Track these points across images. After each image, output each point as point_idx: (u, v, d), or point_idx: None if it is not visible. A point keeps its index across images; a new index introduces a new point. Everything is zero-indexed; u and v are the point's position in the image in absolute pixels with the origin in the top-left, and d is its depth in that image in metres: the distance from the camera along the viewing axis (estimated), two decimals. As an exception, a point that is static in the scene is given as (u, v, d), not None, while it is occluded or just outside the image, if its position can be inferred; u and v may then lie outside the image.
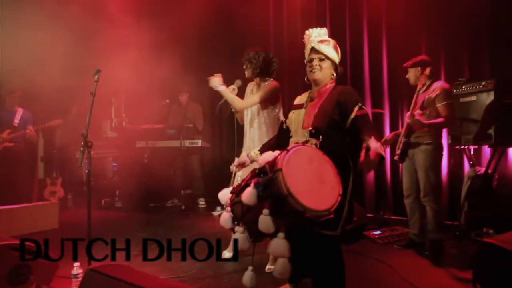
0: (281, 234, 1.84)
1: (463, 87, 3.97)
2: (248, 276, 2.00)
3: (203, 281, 2.96)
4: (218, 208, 5.29)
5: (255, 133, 3.22)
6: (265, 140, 2.95)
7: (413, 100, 3.51)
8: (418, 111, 3.36)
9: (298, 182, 1.81)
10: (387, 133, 5.00)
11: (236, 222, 2.00)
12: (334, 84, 2.33)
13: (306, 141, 2.16)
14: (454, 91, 3.99)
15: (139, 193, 6.11)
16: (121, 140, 6.66)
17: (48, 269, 2.71)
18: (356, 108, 2.14)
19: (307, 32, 2.35)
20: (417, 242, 3.62)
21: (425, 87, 3.52)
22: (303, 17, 5.71)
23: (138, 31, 5.95)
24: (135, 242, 3.99)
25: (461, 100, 3.97)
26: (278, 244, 1.85)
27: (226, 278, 3.00)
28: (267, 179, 1.83)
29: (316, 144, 2.14)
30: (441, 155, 3.55)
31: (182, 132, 5.69)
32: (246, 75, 3.26)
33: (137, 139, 6.23)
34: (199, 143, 5.73)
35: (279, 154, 1.92)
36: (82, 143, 2.58)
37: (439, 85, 3.44)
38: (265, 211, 1.81)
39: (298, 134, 2.26)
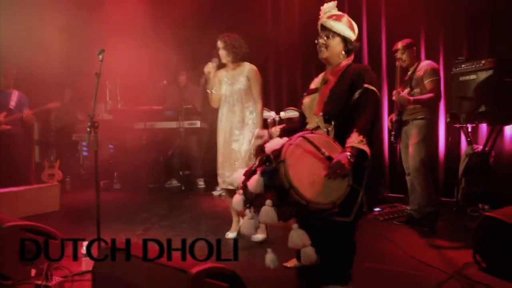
0: (295, 225, 1.78)
1: (463, 65, 4.00)
2: (269, 257, 1.92)
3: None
4: (218, 188, 5.33)
5: (235, 118, 3.28)
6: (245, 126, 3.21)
7: (399, 79, 3.70)
8: (405, 90, 3.55)
9: (301, 174, 1.75)
10: (385, 112, 5.05)
11: (247, 205, 1.92)
12: (349, 62, 2.13)
13: (316, 128, 2.07)
14: (454, 70, 4.04)
15: (138, 174, 6.14)
16: (117, 122, 6.62)
17: (57, 248, 2.73)
18: (366, 85, 1.97)
19: (321, 8, 2.20)
20: (416, 218, 3.70)
21: (414, 67, 3.66)
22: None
23: (134, 11, 5.85)
24: (138, 223, 4.03)
25: (461, 78, 4.00)
26: (294, 235, 1.77)
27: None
28: (271, 169, 1.78)
29: (327, 131, 2.02)
30: (432, 131, 3.70)
31: (180, 113, 5.67)
32: (225, 61, 3.29)
33: (135, 121, 6.19)
34: (198, 124, 5.73)
35: (286, 143, 1.85)
36: (89, 123, 2.55)
37: (425, 64, 3.60)
38: (268, 202, 1.74)
39: (312, 121, 2.13)
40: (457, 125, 4.18)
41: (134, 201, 5.24)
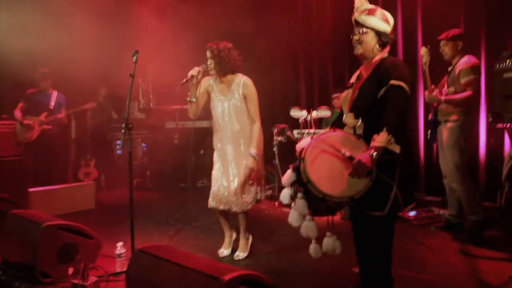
0: (308, 217, 1.96)
1: (508, 61, 3.76)
2: (312, 248, 2.04)
3: (241, 262, 3.00)
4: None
5: (234, 126, 2.99)
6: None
7: (429, 77, 3.46)
8: (436, 89, 3.34)
9: (319, 169, 1.88)
10: (421, 114, 4.86)
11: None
12: (383, 56, 2.08)
13: (339, 126, 2.14)
14: (497, 66, 3.79)
15: (169, 173, 6.23)
16: (150, 121, 6.74)
17: (93, 248, 2.80)
18: (392, 81, 1.93)
19: (354, 2, 2.15)
20: (454, 223, 3.56)
21: (455, 61, 3.43)
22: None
23: (167, 10, 5.92)
24: (170, 223, 4.08)
25: (505, 75, 3.72)
26: (304, 225, 1.96)
27: (263, 259, 3.03)
28: (297, 165, 1.95)
29: (354, 128, 2.05)
30: (467, 134, 3.44)
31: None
32: (211, 73, 2.97)
33: (167, 120, 6.28)
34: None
35: (309, 142, 1.98)
36: (123, 125, 2.59)
37: (464, 61, 3.36)
38: (299, 194, 1.94)
39: (347, 117, 2.12)
40: (501, 125, 3.94)
41: (166, 201, 5.32)
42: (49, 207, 4.31)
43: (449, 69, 3.48)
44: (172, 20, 5.84)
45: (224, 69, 2.93)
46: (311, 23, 5.84)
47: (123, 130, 2.58)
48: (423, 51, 3.44)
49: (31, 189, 4.39)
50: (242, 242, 3.10)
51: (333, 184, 1.87)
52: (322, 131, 2.35)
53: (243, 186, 2.96)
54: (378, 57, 2.08)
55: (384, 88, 1.94)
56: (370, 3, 2.16)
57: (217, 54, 2.88)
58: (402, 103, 1.94)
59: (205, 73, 2.98)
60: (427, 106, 4.83)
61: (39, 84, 5.20)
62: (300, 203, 1.94)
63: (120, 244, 2.73)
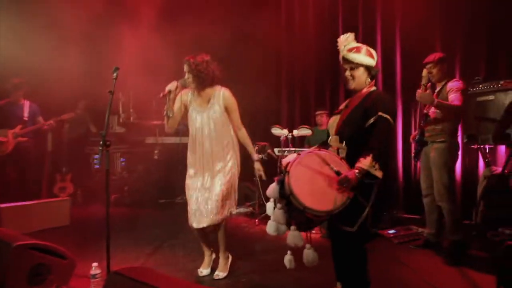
0: (293, 227, 2.12)
1: (480, 86, 3.91)
2: (287, 259, 2.26)
3: (221, 282, 2.94)
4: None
5: (214, 148, 2.95)
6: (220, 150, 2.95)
7: (426, 82, 3.45)
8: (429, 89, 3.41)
9: (302, 183, 2.03)
10: (400, 133, 4.96)
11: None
12: (370, 89, 2.30)
13: (324, 147, 2.33)
14: (470, 89, 3.95)
15: (148, 189, 6.12)
16: (129, 135, 6.64)
17: (66, 268, 2.69)
18: (380, 113, 2.14)
19: (338, 40, 2.34)
20: (432, 241, 3.61)
21: (442, 84, 3.50)
22: (315, 17, 5.64)
23: (146, 26, 5.91)
24: (148, 241, 3.98)
25: (478, 99, 3.91)
26: (291, 235, 2.13)
27: (244, 278, 2.98)
28: (282, 178, 2.10)
29: (338, 150, 2.25)
30: (455, 155, 3.50)
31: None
32: (190, 86, 2.92)
33: (147, 135, 6.20)
34: (209, 139, 5.68)
35: (295, 157, 2.14)
36: (101, 142, 2.52)
37: (454, 84, 3.41)
38: (278, 205, 2.11)
39: (332, 139, 2.32)
40: (475, 146, 4.07)
41: (145, 217, 5.20)
42: (21, 223, 4.15)
43: (436, 90, 3.52)
44: (153, 34, 5.83)
45: (203, 83, 2.89)
46: (293, 43, 5.93)
47: (100, 148, 2.51)
48: (424, 72, 3.43)
49: (2, 205, 4.21)
50: (221, 261, 3.05)
51: (314, 198, 2.00)
52: (303, 149, 2.48)
53: (221, 200, 2.91)
54: (365, 90, 2.29)
55: (372, 118, 2.14)
56: (334, 24, 2.27)
57: (194, 67, 2.84)
58: (386, 134, 2.16)
59: (184, 87, 2.94)
60: (405, 128, 4.96)
61: (10, 95, 5.03)
62: (278, 213, 2.11)
63: (95, 264, 2.63)
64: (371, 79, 2.30)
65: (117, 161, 6.75)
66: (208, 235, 3.11)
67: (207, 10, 6.03)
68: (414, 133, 3.83)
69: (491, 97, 3.79)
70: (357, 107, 2.25)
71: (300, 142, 5.46)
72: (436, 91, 3.52)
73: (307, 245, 2.19)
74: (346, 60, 2.28)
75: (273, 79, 6.13)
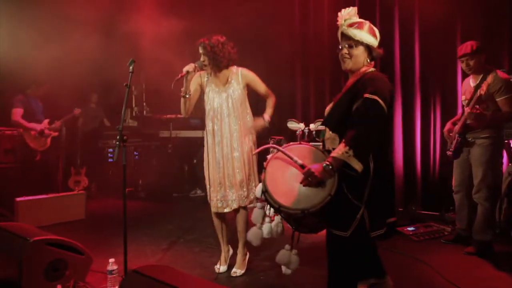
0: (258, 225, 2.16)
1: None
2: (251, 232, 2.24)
3: (238, 279, 2.90)
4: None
5: (232, 128, 2.89)
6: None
7: (469, 93, 3.25)
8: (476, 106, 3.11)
9: (277, 180, 1.92)
10: (418, 127, 4.83)
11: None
12: (368, 68, 2.00)
13: (307, 139, 2.15)
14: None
15: (162, 183, 6.11)
16: (143, 129, 6.62)
17: (83, 264, 2.67)
18: (366, 94, 1.82)
19: (339, 14, 2.05)
20: (463, 236, 3.52)
21: (481, 77, 3.20)
22: (330, 13, 5.49)
23: (159, 19, 5.85)
24: (163, 235, 3.96)
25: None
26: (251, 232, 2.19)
27: (262, 276, 2.93)
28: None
29: (323, 142, 2.08)
30: (500, 150, 3.33)
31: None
32: (205, 69, 2.88)
33: (160, 129, 6.17)
34: (223, 133, 5.63)
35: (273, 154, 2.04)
36: (118, 137, 2.47)
37: (499, 76, 3.12)
38: (258, 204, 2.07)
39: (326, 130, 2.07)
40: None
41: (159, 211, 5.19)
42: (37, 217, 4.18)
43: (474, 85, 3.25)
44: (166, 27, 5.77)
45: (219, 64, 2.83)
46: (307, 34, 5.80)
47: (117, 143, 2.45)
48: (470, 50, 3.16)
49: (18, 199, 4.24)
50: (239, 258, 3.00)
51: (289, 195, 1.86)
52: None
53: (241, 185, 2.88)
54: (363, 69, 2.00)
55: (357, 102, 1.85)
56: (367, 16, 2.12)
57: (210, 49, 2.78)
58: (372, 117, 1.80)
59: (201, 68, 2.88)
60: (424, 122, 4.82)
61: (28, 90, 5.09)
62: (257, 212, 2.09)
63: (112, 260, 2.60)
64: (371, 60, 2.01)
65: (130, 154, 6.76)
66: (226, 226, 3.07)
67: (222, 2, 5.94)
68: (449, 126, 3.50)
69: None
70: (348, 90, 1.98)
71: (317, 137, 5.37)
72: (474, 85, 3.24)
73: (287, 246, 2.04)
74: (346, 36, 1.99)
75: (288, 72, 6.02)
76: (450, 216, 4.14)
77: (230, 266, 3.02)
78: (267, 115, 2.99)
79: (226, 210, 2.92)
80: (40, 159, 5.07)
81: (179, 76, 2.74)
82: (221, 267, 3.01)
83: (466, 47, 3.21)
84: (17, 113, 4.91)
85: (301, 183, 1.83)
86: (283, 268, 2.08)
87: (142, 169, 6.49)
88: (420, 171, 4.87)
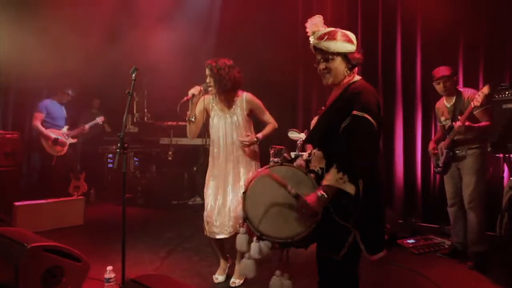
0: (246, 255, 1.82)
1: (506, 92, 3.77)
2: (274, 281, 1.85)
3: (236, 289, 2.87)
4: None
5: (237, 153, 2.90)
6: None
7: (447, 113, 3.50)
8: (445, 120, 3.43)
9: (258, 206, 1.77)
10: (419, 139, 4.83)
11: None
12: (352, 78, 1.85)
13: (286, 160, 2.00)
14: (496, 97, 3.81)
15: (161, 190, 6.09)
16: (143, 135, 6.62)
17: (80, 271, 2.65)
18: (355, 111, 1.70)
19: (306, 25, 1.90)
20: (460, 250, 3.53)
21: (455, 96, 3.46)
22: (333, 16, 5.53)
23: (163, 27, 5.89)
24: (162, 243, 3.93)
25: (504, 106, 3.74)
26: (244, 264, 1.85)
27: (259, 286, 2.90)
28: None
29: (306, 162, 1.92)
30: (486, 160, 3.46)
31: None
32: (210, 91, 2.84)
33: (161, 135, 6.18)
34: (224, 141, 5.63)
35: (255, 173, 1.91)
36: (119, 144, 2.47)
37: (472, 93, 3.37)
38: (242, 229, 1.84)
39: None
40: (500, 155, 3.92)
41: (158, 218, 5.16)
42: (35, 222, 4.15)
43: (450, 104, 3.49)
44: (168, 35, 5.80)
45: (224, 88, 2.82)
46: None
47: (117, 150, 2.45)
48: (447, 73, 3.42)
49: (17, 203, 4.22)
50: (237, 268, 2.98)
51: (272, 222, 1.74)
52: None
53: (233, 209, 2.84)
54: (346, 80, 1.84)
55: (346, 120, 1.72)
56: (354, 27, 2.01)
57: (216, 72, 2.78)
58: (364, 137, 1.68)
59: (206, 91, 2.87)
60: (424, 136, 4.83)
61: (54, 97, 5.27)
62: (240, 238, 1.84)
63: (109, 268, 2.59)
64: (351, 69, 1.84)
65: (130, 160, 6.75)
66: (223, 243, 3.04)
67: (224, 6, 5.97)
68: (432, 144, 3.71)
69: (518, 104, 3.64)
70: (333, 104, 1.83)
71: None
72: (450, 105, 3.49)
73: (277, 272, 1.84)
74: (319, 50, 1.83)
75: (289, 80, 6.03)
76: (449, 229, 4.12)
77: (229, 276, 3.00)
78: (260, 134, 2.95)
79: (214, 237, 2.87)
80: (55, 163, 5.19)
81: (185, 99, 2.73)
82: (219, 277, 2.99)
83: (444, 70, 3.45)
84: (37, 117, 5.09)
85: (296, 215, 1.71)
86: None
87: (141, 176, 6.47)
88: (421, 183, 4.86)
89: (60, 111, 5.31)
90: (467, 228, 3.40)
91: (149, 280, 1.92)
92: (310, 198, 1.68)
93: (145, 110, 7.11)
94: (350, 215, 1.71)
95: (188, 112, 2.82)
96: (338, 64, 1.82)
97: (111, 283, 2.56)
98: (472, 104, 3.20)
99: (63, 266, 2.54)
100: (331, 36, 1.80)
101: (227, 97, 2.90)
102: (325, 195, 1.66)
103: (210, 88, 2.84)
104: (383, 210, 1.87)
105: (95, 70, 5.55)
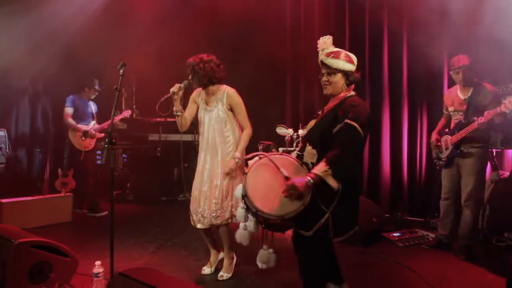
0: (242, 225, 2.17)
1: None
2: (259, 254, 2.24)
3: (225, 283, 2.91)
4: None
5: (216, 137, 2.96)
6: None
7: (458, 104, 3.46)
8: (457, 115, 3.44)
9: (257, 186, 2.06)
10: (405, 136, 4.91)
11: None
12: (348, 93, 2.21)
13: (287, 151, 2.28)
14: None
15: (151, 186, 6.08)
16: (132, 131, 6.59)
17: (68, 266, 2.66)
18: (347, 120, 2.03)
19: (318, 41, 2.26)
20: (445, 242, 3.61)
21: (470, 90, 3.38)
22: (321, 20, 5.56)
23: (152, 22, 5.86)
24: (151, 239, 3.95)
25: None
26: (238, 233, 2.21)
27: (248, 280, 2.94)
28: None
29: (301, 154, 2.20)
30: (487, 160, 3.55)
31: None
32: (194, 86, 3.00)
33: (150, 132, 6.16)
34: (213, 137, 5.64)
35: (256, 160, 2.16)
36: (107, 140, 2.48)
37: (488, 90, 3.31)
38: (241, 204, 2.12)
39: (307, 144, 2.24)
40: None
41: (147, 214, 5.17)
42: (23, 219, 4.11)
43: (464, 97, 3.40)
44: (158, 32, 5.78)
45: (201, 82, 2.91)
46: (299, 42, 5.86)
47: (106, 145, 2.47)
48: (467, 62, 3.35)
49: (3, 200, 4.18)
50: (226, 262, 3.02)
51: (267, 201, 2.02)
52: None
53: (221, 202, 2.89)
54: (343, 94, 2.21)
55: (338, 126, 2.05)
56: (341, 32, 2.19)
57: (192, 68, 2.91)
58: (351, 142, 2.03)
59: (187, 88, 2.95)
60: (411, 132, 4.90)
61: (81, 93, 5.19)
62: (240, 212, 2.13)
63: (98, 263, 2.59)
64: (349, 85, 2.22)
65: (119, 157, 6.72)
66: (212, 234, 3.08)
67: (213, 5, 5.97)
68: (435, 135, 3.67)
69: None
70: (330, 111, 2.18)
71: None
72: (464, 97, 3.40)
73: (264, 246, 2.21)
74: (325, 64, 2.21)
75: (278, 76, 6.06)
76: (435, 223, 4.21)
77: (218, 270, 3.03)
78: (238, 154, 2.91)
79: (200, 227, 2.93)
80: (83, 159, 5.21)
81: (164, 97, 2.85)
82: (206, 269, 3.05)
83: (464, 58, 3.32)
84: (67, 112, 5.06)
85: (283, 193, 1.97)
86: (259, 264, 2.24)
87: (130, 172, 6.45)
88: (407, 178, 4.94)
89: (85, 107, 5.19)
90: (460, 223, 3.45)
91: (137, 273, 1.94)
92: (299, 181, 1.96)
93: (134, 106, 7.07)
94: (331, 202, 2.04)
95: (174, 108, 2.91)
96: (338, 79, 2.20)
97: (100, 278, 2.57)
98: (498, 110, 3.04)
99: (51, 261, 2.55)
100: (336, 55, 2.18)
101: (209, 91, 2.98)
102: (311, 181, 1.95)
103: (193, 84, 2.96)
104: (357, 204, 2.20)
105: (85, 64, 5.53)
